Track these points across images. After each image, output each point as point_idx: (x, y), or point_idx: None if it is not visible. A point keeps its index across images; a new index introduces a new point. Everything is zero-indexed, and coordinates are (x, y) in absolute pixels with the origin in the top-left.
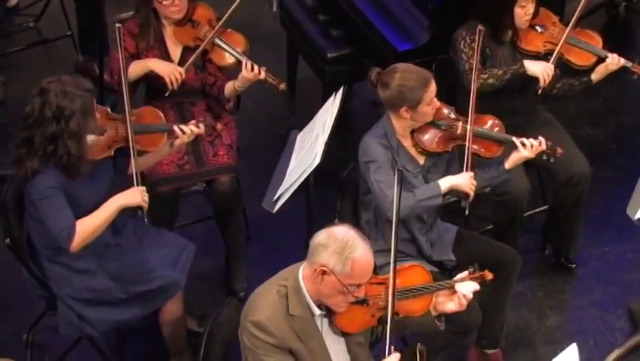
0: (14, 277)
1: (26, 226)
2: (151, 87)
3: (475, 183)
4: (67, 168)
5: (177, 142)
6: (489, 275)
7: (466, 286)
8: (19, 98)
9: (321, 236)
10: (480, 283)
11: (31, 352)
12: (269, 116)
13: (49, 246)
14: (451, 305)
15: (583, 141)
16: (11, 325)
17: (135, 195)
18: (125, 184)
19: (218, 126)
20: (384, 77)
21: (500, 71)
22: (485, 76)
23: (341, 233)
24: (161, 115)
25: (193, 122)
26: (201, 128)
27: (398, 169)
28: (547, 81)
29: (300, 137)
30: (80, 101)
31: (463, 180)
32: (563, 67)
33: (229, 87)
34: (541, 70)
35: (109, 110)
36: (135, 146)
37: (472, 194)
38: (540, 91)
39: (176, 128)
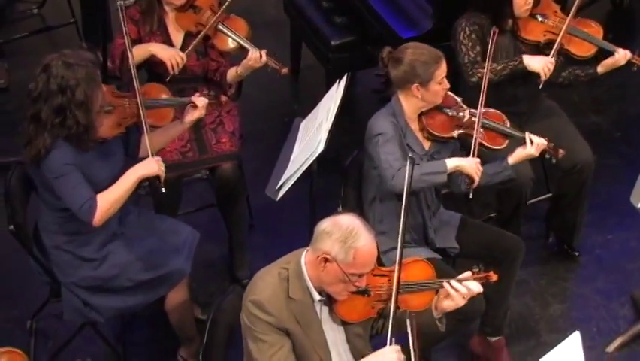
0: (18, 264)
1: (32, 213)
2: (152, 73)
3: (481, 169)
4: (77, 138)
5: (188, 117)
6: (493, 276)
7: (471, 286)
8: (23, 85)
9: (325, 224)
10: (484, 284)
11: (34, 339)
12: (272, 104)
13: (64, 232)
14: (448, 303)
15: (586, 129)
16: (15, 312)
17: (153, 165)
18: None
19: (223, 98)
20: (397, 54)
21: (499, 67)
22: (484, 70)
23: (346, 222)
24: (167, 89)
25: (197, 93)
26: (207, 100)
27: (411, 157)
28: (547, 76)
29: (303, 124)
30: (83, 70)
31: (470, 164)
32: (567, 56)
33: (231, 73)
34: (541, 66)
35: (115, 88)
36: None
37: (477, 179)
38: (541, 85)
39: (188, 105)
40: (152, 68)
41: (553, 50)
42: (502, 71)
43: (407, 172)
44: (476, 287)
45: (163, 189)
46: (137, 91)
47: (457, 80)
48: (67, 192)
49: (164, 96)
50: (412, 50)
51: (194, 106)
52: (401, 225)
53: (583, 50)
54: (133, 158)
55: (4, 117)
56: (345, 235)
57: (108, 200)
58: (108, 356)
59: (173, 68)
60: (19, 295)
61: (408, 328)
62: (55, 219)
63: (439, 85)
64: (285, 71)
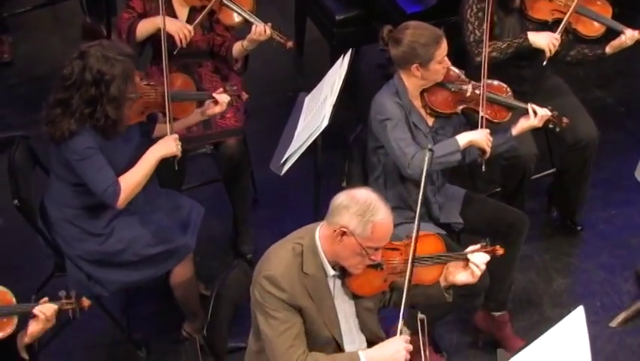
0: (22, 238)
1: (36, 188)
2: (158, 48)
3: (491, 139)
4: (103, 130)
5: (209, 112)
6: (500, 250)
7: (479, 258)
8: (27, 59)
9: (342, 197)
10: (490, 258)
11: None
12: (277, 79)
13: (75, 205)
14: (462, 276)
15: (591, 105)
16: (19, 286)
17: (171, 145)
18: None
19: (244, 96)
20: (396, 34)
21: (504, 45)
22: (489, 49)
23: (363, 196)
24: (192, 82)
25: (220, 90)
26: (229, 98)
27: (430, 149)
28: (552, 52)
29: (308, 99)
30: (120, 66)
31: (480, 136)
32: (575, 35)
33: (237, 47)
34: (546, 42)
35: (143, 75)
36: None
37: (488, 150)
38: (545, 62)
39: (210, 100)
40: (159, 42)
41: (560, 27)
42: (507, 49)
43: (425, 161)
44: (486, 258)
45: (177, 167)
46: (166, 82)
47: (462, 54)
48: (91, 175)
49: (189, 88)
50: (411, 31)
51: (216, 102)
52: (419, 202)
53: (591, 29)
54: (146, 137)
55: (8, 91)
56: (363, 208)
57: (131, 182)
58: (112, 330)
59: (181, 42)
60: (23, 269)
61: (419, 329)
62: (68, 192)
63: (439, 64)
64: (289, 44)
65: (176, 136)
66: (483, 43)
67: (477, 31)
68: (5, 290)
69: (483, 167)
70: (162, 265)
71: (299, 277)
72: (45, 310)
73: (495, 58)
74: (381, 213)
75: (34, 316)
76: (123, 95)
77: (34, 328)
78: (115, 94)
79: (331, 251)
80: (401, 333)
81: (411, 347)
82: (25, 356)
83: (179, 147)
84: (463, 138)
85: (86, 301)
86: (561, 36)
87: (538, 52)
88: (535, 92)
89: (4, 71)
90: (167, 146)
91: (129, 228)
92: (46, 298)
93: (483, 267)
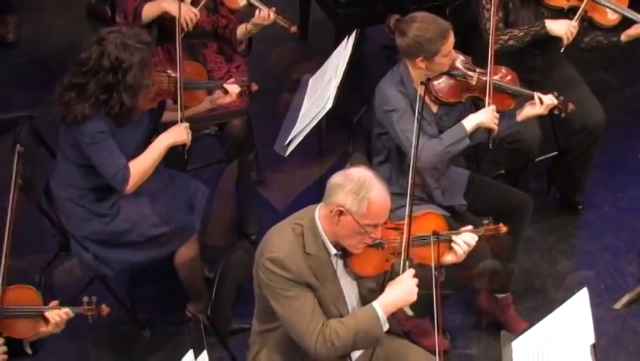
0: (27, 219)
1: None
2: (164, 29)
3: (497, 115)
4: (117, 117)
5: (219, 101)
6: (503, 228)
7: (465, 237)
8: (32, 40)
9: (337, 177)
10: (494, 236)
11: (43, 293)
12: (280, 60)
13: (82, 185)
14: (449, 256)
15: (597, 86)
16: (24, 265)
17: (182, 133)
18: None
19: (254, 87)
20: (402, 26)
21: (521, 33)
22: (506, 37)
23: (357, 174)
24: (205, 71)
25: (232, 80)
26: (239, 88)
27: (419, 112)
28: (570, 40)
29: (312, 81)
30: (139, 54)
31: (486, 116)
32: (590, 23)
33: (241, 29)
34: (564, 30)
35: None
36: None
37: (496, 128)
38: (563, 49)
39: (220, 90)
40: (164, 24)
41: (577, 15)
42: (524, 38)
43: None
44: (472, 239)
45: (185, 156)
46: (179, 71)
47: (467, 37)
48: (101, 160)
49: (201, 78)
50: (417, 25)
51: (226, 92)
52: (409, 185)
53: (607, 18)
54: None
55: (13, 71)
56: (357, 186)
57: (140, 168)
58: (117, 310)
59: (187, 25)
60: (28, 249)
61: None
62: (75, 173)
63: (445, 57)
64: (293, 29)
65: (187, 125)
66: (500, 31)
67: (493, 19)
68: (32, 288)
69: (491, 145)
70: (167, 245)
71: (303, 257)
72: (57, 315)
73: (512, 46)
74: (376, 190)
75: (45, 319)
76: (139, 83)
77: (42, 330)
78: (131, 82)
79: (331, 232)
80: (404, 270)
81: (416, 280)
82: (28, 351)
83: (190, 135)
84: (470, 122)
85: (105, 309)
86: (578, 23)
87: (554, 40)
88: (544, 80)
89: (9, 52)
90: (178, 134)
91: (135, 208)
92: (56, 302)
93: (465, 247)
